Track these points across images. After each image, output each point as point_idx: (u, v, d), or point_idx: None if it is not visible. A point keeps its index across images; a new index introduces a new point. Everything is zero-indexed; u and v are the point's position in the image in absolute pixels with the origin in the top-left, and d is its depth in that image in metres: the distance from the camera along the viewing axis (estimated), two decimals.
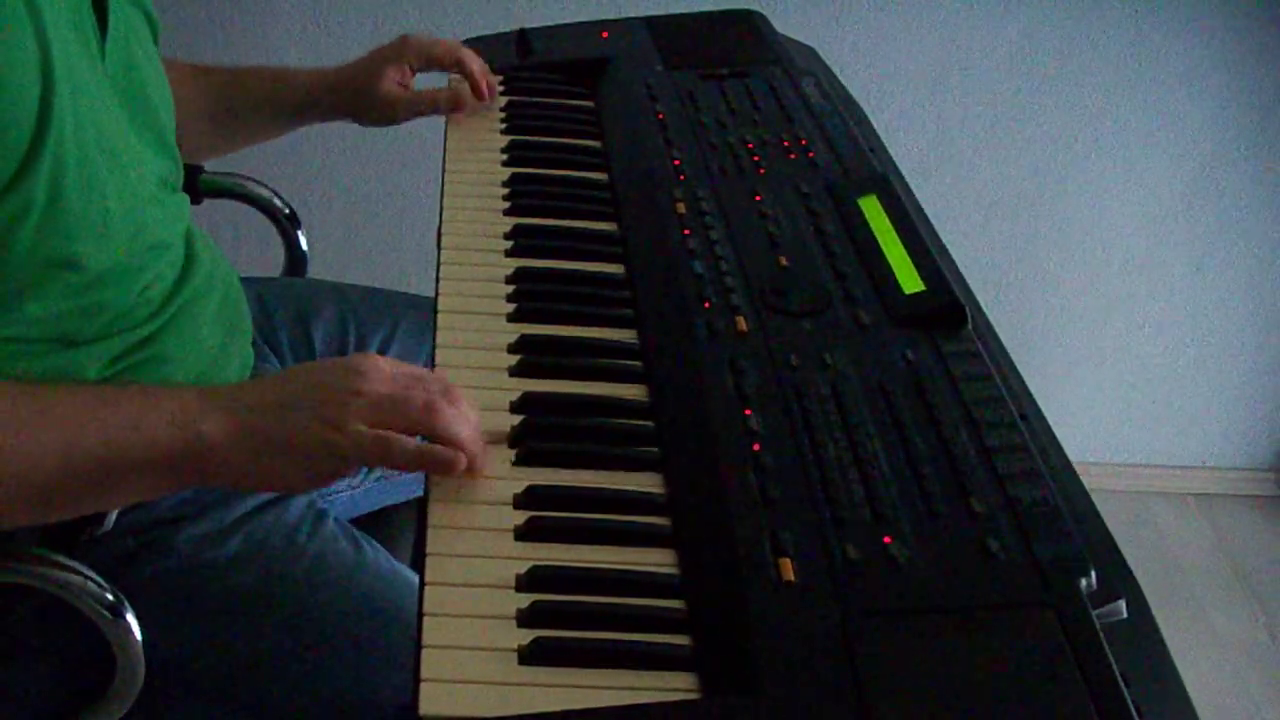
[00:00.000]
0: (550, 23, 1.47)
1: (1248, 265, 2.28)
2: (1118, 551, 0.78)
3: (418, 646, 0.70)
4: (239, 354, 1.08)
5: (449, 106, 1.27)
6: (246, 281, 1.16)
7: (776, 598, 0.71)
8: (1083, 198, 2.20)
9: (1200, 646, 2.15)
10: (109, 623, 0.88)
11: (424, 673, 0.69)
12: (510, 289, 1.02)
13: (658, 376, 0.93)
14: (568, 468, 0.84)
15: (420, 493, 0.83)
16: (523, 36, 1.43)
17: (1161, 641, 0.74)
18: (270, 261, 1.43)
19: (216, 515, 0.99)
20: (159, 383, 0.94)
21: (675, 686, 0.69)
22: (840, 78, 1.43)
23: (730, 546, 0.74)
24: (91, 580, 0.88)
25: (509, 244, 1.08)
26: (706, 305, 0.95)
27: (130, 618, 0.89)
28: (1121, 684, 0.65)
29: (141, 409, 0.80)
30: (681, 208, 1.07)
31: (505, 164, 1.21)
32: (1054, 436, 0.88)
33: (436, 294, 1.01)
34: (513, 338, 0.96)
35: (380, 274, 2.16)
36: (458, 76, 1.30)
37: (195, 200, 1.23)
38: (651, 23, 1.45)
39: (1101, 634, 0.68)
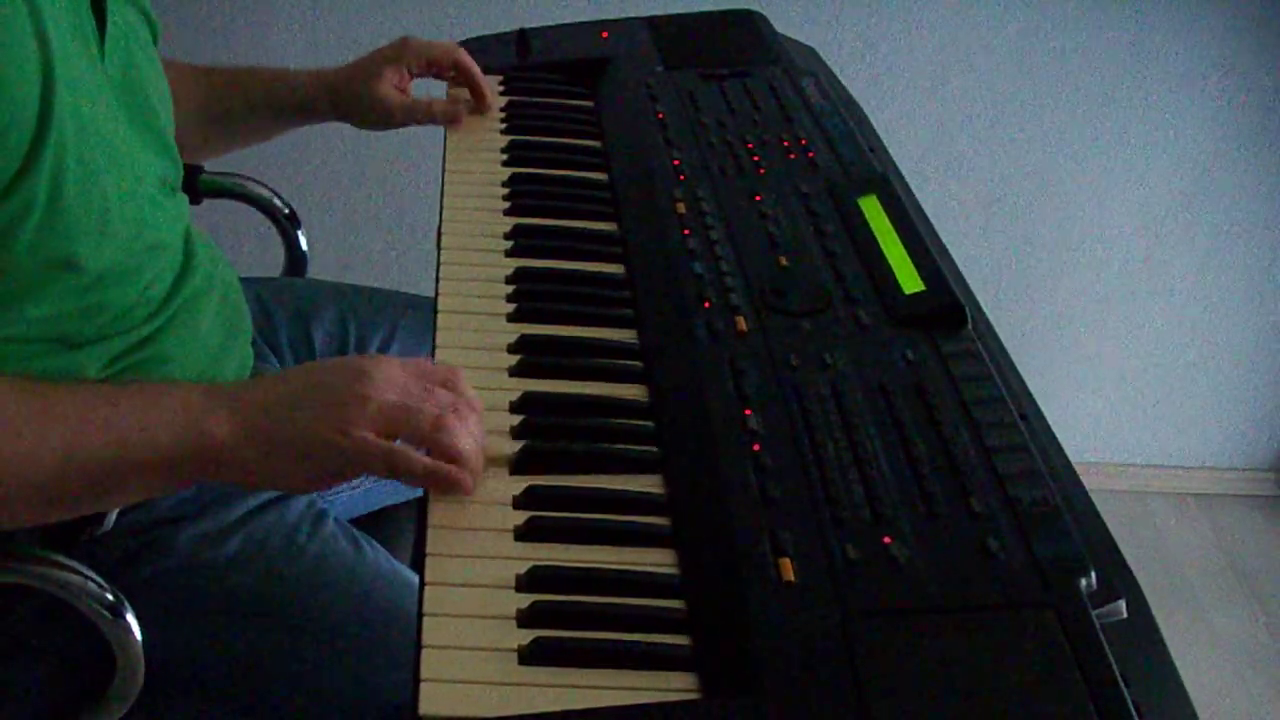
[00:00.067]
0: (550, 23, 1.47)
1: (1248, 265, 2.27)
2: (1118, 551, 0.78)
3: (417, 646, 0.70)
4: (239, 354, 1.08)
5: (445, 120, 1.27)
6: (246, 281, 1.15)
7: (776, 598, 0.71)
8: (1083, 198, 2.20)
9: (1200, 646, 2.15)
10: (109, 623, 0.88)
11: (424, 673, 0.69)
12: (510, 289, 1.02)
13: (658, 376, 0.93)
14: (568, 468, 0.84)
15: (420, 493, 0.83)
16: (522, 36, 1.42)
17: (1161, 641, 0.74)
18: (270, 261, 1.43)
19: (216, 515, 0.99)
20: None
21: (675, 686, 0.69)
22: (840, 78, 1.43)
23: (730, 546, 0.74)
24: (91, 580, 0.88)
25: (509, 244, 1.08)
26: (706, 305, 0.95)
27: (130, 618, 0.89)
28: (1121, 684, 0.65)
29: (145, 407, 0.80)
30: (681, 208, 1.07)
31: (505, 164, 1.21)
32: (1054, 436, 0.88)
33: (436, 294, 1.01)
34: (513, 338, 0.96)
35: (380, 274, 2.17)
36: (459, 88, 1.30)
37: (195, 200, 1.23)
38: (652, 23, 1.44)
39: (1101, 634, 0.68)
